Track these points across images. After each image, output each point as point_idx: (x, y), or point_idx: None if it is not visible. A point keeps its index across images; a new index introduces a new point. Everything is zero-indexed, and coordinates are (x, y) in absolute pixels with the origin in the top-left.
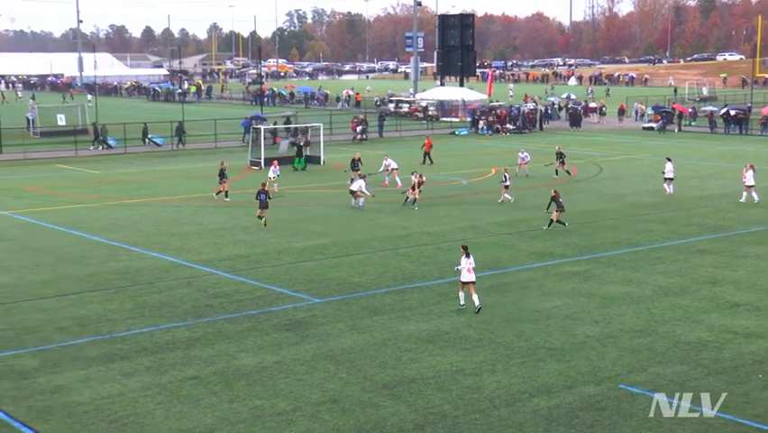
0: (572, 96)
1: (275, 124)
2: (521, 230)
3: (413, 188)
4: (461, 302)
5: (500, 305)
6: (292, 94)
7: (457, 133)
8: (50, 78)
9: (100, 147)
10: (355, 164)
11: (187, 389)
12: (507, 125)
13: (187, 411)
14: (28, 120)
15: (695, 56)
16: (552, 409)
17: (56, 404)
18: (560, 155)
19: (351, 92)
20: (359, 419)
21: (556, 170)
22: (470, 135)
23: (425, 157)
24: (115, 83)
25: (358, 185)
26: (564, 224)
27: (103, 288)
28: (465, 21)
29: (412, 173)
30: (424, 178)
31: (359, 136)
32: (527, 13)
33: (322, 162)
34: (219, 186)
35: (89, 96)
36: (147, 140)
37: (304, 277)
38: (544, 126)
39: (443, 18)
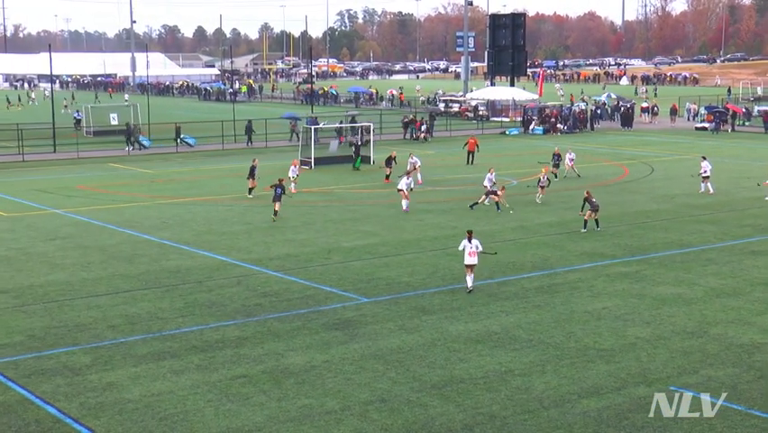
0: (613, 96)
1: (341, 122)
2: (571, 230)
3: (498, 192)
4: (469, 285)
5: (550, 305)
6: (335, 94)
7: (507, 132)
8: (99, 78)
9: (131, 147)
10: (390, 162)
11: (237, 387)
12: (558, 125)
13: (236, 410)
14: (75, 119)
15: (728, 56)
16: (601, 411)
17: (107, 401)
18: (556, 156)
19: (395, 92)
20: (407, 418)
21: (555, 174)
22: (520, 135)
23: (468, 157)
24: (167, 83)
25: (404, 183)
26: (597, 224)
27: (154, 286)
28: (516, 20)
29: (490, 170)
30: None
31: (423, 135)
32: (579, 12)
33: (372, 162)
34: (250, 182)
35: (126, 96)
36: (179, 140)
37: (353, 276)
38: (595, 126)
39: (494, 18)
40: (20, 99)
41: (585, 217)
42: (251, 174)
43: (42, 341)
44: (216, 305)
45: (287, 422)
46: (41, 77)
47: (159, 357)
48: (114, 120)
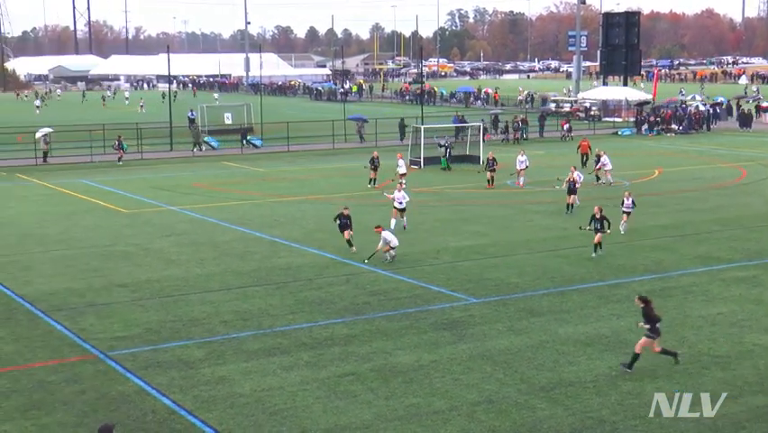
0: (698, 97)
1: (482, 121)
2: (686, 233)
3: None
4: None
5: (662, 310)
6: (449, 93)
7: (620, 133)
8: (213, 78)
9: (195, 149)
10: (491, 165)
11: (345, 384)
12: (673, 126)
13: (344, 407)
14: (189, 119)
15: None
16: (716, 419)
17: (219, 395)
18: (597, 158)
19: (490, 90)
20: (515, 420)
21: (597, 176)
22: (633, 136)
23: (582, 158)
24: (280, 82)
25: (398, 198)
26: (598, 248)
27: (265, 283)
28: (630, 19)
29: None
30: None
31: (565, 134)
32: (696, 9)
33: (481, 162)
34: (372, 173)
35: (216, 95)
36: (245, 141)
37: (461, 276)
38: (711, 127)
39: (608, 16)
40: (104, 99)
41: (594, 240)
42: (373, 165)
43: (158, 334)
44: (326, 303)
45: (394, 421)
46: (159, 77)
47: (269, 353)
48: (228, 119)
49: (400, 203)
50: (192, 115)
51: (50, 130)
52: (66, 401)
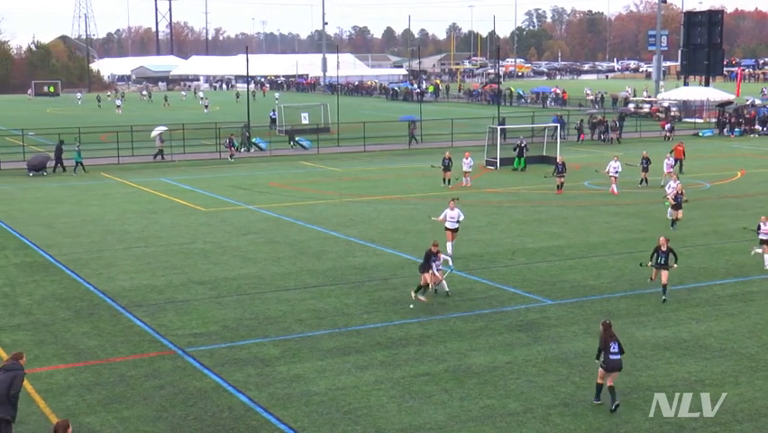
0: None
1: (580, 122)
2: None
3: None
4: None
5: (744, 314)
6: (515, 93)
7: (701, 134)
8: (291, 78)
9: (243, 149)
10: (560, 170)
11: (419, 385)
12: (756, 126)
13: (418, 407)
14: (271, 119)
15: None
16: None
17: (294, 392)
18: (645, 160)
19: (558, 91)
20: (591, 424)
21: (645, 179)
22: (714, 137)
23: (676, 163)
24: (356, 83)
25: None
26: (665, 291)
27: (340, 282)
28: (713, 17)
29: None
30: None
31: (667, 134)
32: None
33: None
34: (446, 174)
35: (276, 94)
36: (294, 143)
37: (537, 278)
38: None
39: (690, 15)
40: (166, 99)
41: (652, 276)
42: (445, 166)
43: (235, 332)
44: (401, 302)
45: (468, 422)
46: (237, 77)
47: (344, 352)
48: (305, 119)
49: (452, 220)
50: (274, 114)
51: (165, 129)
52: (146, 396)
